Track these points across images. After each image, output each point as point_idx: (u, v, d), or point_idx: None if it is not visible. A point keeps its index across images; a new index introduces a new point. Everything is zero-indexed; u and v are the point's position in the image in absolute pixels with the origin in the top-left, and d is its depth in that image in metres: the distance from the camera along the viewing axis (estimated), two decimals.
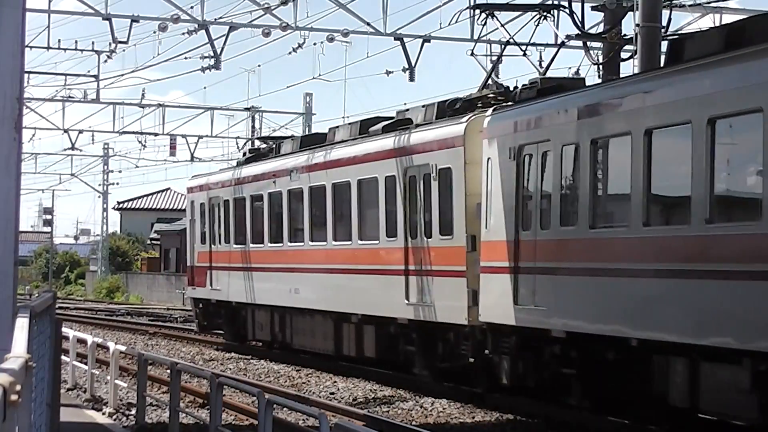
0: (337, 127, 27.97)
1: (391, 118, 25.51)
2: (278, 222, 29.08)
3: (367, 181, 24.58)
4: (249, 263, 30.82)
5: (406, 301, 22.68)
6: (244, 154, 33.79)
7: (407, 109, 25.55)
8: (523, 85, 21.06)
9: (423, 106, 23.88)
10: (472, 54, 26.76)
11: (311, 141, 29.12)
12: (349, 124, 27.79)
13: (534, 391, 19.23)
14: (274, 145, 31.87)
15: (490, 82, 24.36)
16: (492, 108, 21.00)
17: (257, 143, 32.07)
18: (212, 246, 33.57)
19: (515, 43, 24.97)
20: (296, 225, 28.14)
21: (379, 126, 24.99)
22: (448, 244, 21.52)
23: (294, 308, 28.35)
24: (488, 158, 20.10)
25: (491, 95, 22.53)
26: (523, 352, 19.19)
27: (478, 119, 20.94)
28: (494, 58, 34.72)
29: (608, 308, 16.34)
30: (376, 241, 24.19)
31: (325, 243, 26.47)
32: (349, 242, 25.28)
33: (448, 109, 22.60)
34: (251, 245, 30.75)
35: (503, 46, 25.96)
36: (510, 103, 20.85)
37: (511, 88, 22.40)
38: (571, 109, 17.56)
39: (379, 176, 24.06)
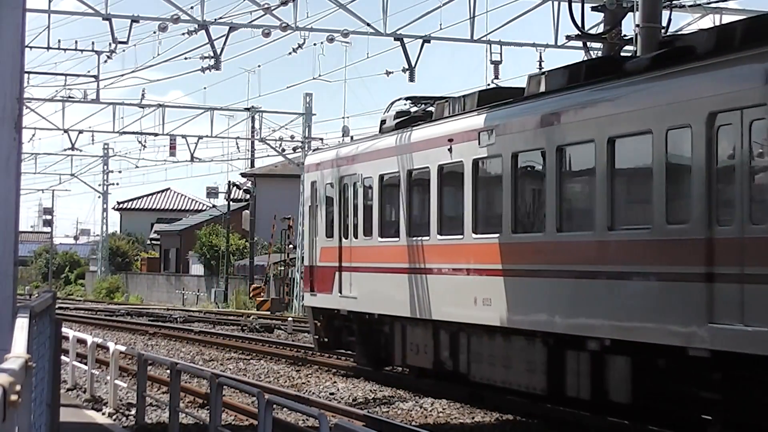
0: (549, 71, 19.99)
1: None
2: (456, 205, 20.89)
3: (637, 140, 16.31)
4: (404, 262, 22.68)
5: (709, 324, 14.68)
6: (381, 124, 25.10)
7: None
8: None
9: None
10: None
11: (499, 96, 20.87)
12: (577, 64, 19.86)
13: None
14: (433, 107, 23.64)
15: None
16: None
17: (402, 105, 25.22)
18: (344, 240, 25.48)
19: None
20: (489, 208, 20.09)
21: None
22: None
23: (475, 326, 20.28)
24: None
25: None
26: None
27: None
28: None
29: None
30: (647, 228, 15.90)
31: (541, 234, 18.22)
32: (590, 232, 17.08)
33: None
34: (408, 238, 22.55)
35: None
36: None
37: None
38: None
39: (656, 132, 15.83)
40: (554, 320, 17.85)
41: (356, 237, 24.86)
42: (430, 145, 21.79)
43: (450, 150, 20.99)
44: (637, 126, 16.07)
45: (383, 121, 24.96)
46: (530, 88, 19.66)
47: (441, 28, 35.24)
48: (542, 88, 19.16)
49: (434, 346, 21.83)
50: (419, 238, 22.16)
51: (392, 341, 23.56)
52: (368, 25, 35.01)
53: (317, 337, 27.17)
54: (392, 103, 25.34)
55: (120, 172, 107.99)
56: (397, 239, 23.06)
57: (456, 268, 20.90)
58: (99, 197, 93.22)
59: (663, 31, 22.73)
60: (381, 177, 23.87)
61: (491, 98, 20.76)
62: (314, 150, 29.11)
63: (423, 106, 24.62)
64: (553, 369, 18.07)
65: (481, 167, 20.18)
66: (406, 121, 23.96)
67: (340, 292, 25.42)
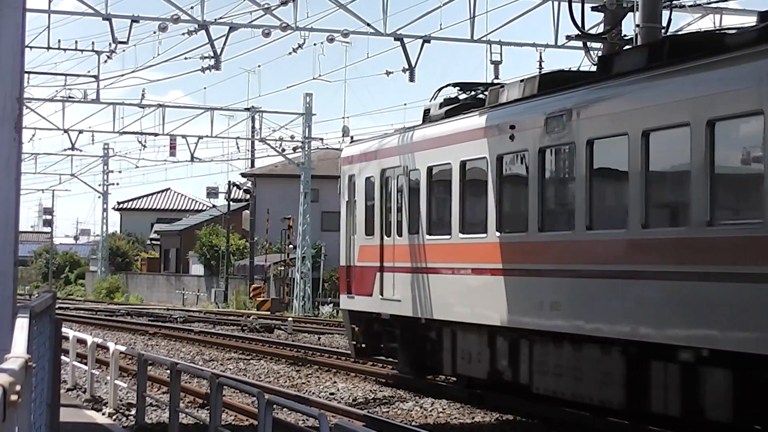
0: (627, 49, 18.61)
1: None
2: (518, 198, 19.08)
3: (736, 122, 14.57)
4: (456, 262, 20.82)
5: None
6: (425, 114, 23.35)
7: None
8: None
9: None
10: None
11: (561, 80, 19.02)
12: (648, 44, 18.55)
13: None
14: (483, 93, 22.12)
15: None
16: None
17: (449, 93, 23.14)
18: (386, 238, 23.43)
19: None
20: (559, 202, 18.25)
21: None
22: None
23: (540, 332, 18.36)
24: None
25: None
26: None
27: None
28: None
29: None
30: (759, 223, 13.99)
31: (623, 231, 16.20)
32: (685, 227, 15.12)
33: None
34: (461, 235, 20.57)
35: None
36: None
37: None
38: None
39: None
40: (639, 328, 15.79)
41: (400, 234, 22.86)
42: (488, 134, 19.73)
43: (511, 138, 18.96)
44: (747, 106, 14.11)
45: (427, 111, 23.15)
46: (608, 67, 17.69)
47: (441, 28, 35.25)
48: (616, 69, 17.20)
49: (490, 355, 19.79)
50: (474, 236, 20.10)
51: (440, 348, 21.51)
52: (368, 25, 35.02)
53: (355, 342, 25.06)
54: (438, 91, 23.51)
55: (120, 172, 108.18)
56: (447, 237, 21.01)
57: (518, 269, 18.78)
58: (99, 197, 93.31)
59: (663, 31, 22.74)
60: (429, 169, 21.76)
61: (553, 82, 19.00)
62: (352, 141, 26.63)
63: (473, 92, 22.92)
64: (635, 382, 16.04)
65: (548, 156, 18.12)
66: (456, 108, 22.00)
67: (382, 294, 23.46)
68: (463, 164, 20.54)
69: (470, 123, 20.58)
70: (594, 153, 16.93)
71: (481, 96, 22.30)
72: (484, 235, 19.70)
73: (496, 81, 35.16)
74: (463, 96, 23.01)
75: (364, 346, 24.79)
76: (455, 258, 20.74)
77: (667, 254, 15.31)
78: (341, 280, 26.01)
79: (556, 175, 18.24)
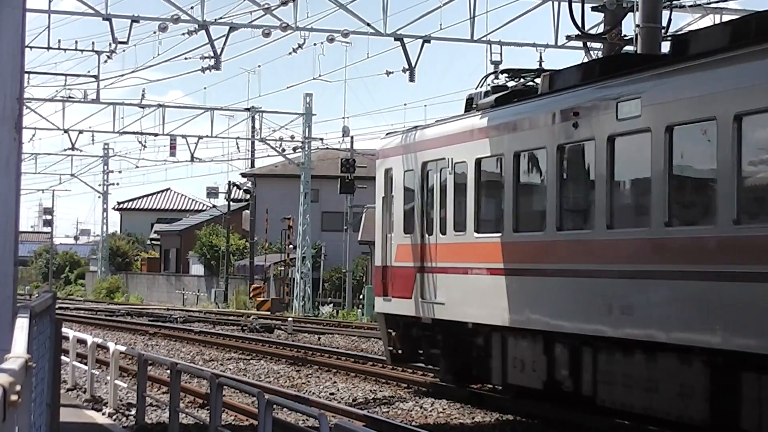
0: (699, 31, 17.45)
1: None
2: (583, 192, 17.44)
3: None
4: (508, 262, 19.09)
5: None
6: (469, 101, 21.60)
7: None
8: None
9: None
10: None
11: (624, 63, 17.71)
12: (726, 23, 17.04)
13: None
14: (535, 81, 20.86)
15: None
16: None
17: (492, 81, 21.88)
18: (427, 236, 21.69)
19: None
20: (632, 195, 16.54)
21: None
22: None
23: (607, 339, 16.51)
24: None
25: None
26: None
27: None
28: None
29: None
30: None
31: (711, 227, 14.44)
32: None
33: None
34: (514, 233, 18.82)
35: None
36: None
37: None
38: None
39: None
40: (729, 335, 14.04)
41: (443, 232, 21.10)
42: (546, 122, 18.07)
43: (575, 125, 17.18)
44: None
45: (470, 99, 21.55)
46: (682, 48, 16.08)
47: (441, 28, 35.25)
48: (693, 50, 15.62)
49: (547, 363, 18.01)
50: (530, 233, 18.39)
51: (488, 355, 19.78)
52: (368, 25, 35.02)
53: (391, 348, 23.18)
54: (484, 78, 22.18)
55: (120, 172, 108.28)
56: (498, 235, 19.22)
57: (582, 270, 16.97)
58: (99, 197, 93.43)
59: (663, 31, 22.73)
60: (477, 162, 20.00)
61: (615, 65, 17.60)
62: (388, 133, 24.66)
63: (523, 80, 21.45)
64: (721, 395, 14.38)
65: (619, 144, 16.29)
66: (506, 96, 20.32)
67: (422, 296, 21.71)
68: (517, 155, 18.80)
69: (525, 111, 18.91)
70: (674, 140, 15.14)
71: (530, 84, 21.03)
72: (542, 232, 18.00)
73: (495, 81, 35.28)
74: (511, 83, 21.69)
75: (401, 352, 22.97)
76: (508, 258, 19.00)
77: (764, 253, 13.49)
78: (376, 282, 24.15)
79: (628, 165, 16.32)
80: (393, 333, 23.06)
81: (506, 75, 21.99)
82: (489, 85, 21.87)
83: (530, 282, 18.38)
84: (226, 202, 77.42)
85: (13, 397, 5.05)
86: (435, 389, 22.33)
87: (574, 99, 17.47)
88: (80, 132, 63.20)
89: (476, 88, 22.11)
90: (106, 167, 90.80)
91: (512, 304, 18.80)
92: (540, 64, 36.04)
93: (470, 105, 21.53)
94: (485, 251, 19.67)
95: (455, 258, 20.72)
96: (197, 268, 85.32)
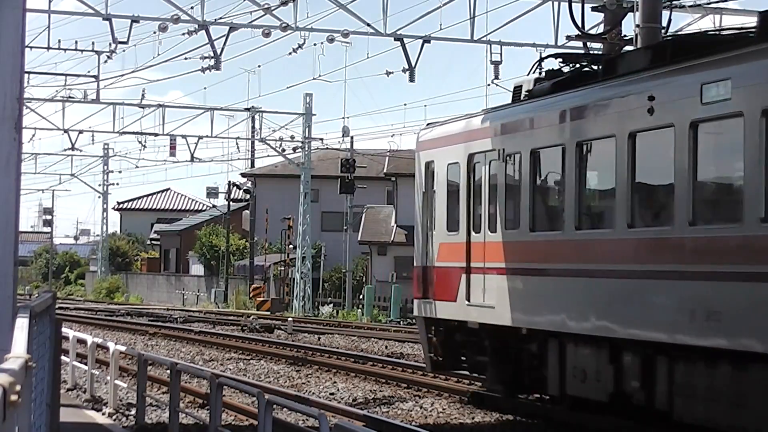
0: None
1: None
2: (660, 184, 15.96)
3: None
4: (570, 262, 17.37)
5: None
6: (516, 91, 20.39)
7: None
8: None
9: None
10: None
11: (696, 44, 16.26)
12: None
13: None
14: (592, 65, 19.39)
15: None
16: None
17: (536, 68, 20.75)
18: (474, 234, 20.13)
19: None
20: (719, 187, 15.27)
21: None
22: None
23: (687, 348, 14.84)
24: None
25: None
26: None
27: None
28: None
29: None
30: None
31: None
32: None
33: None
34: (577, 231, 17.19)
35: None
36: None
37: None
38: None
39: None
40: None
41: (493, 230, 19.53)
42: (615, 108, 16.56)
43: (650, 111, 15.56)
44: None
45: (518, 88, 20.26)
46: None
47: (441, 29, 35.29)
48: None
49: (614, 373, 16.34)
50: (595, 231, 16.86)
51: (544, 364, 18.20)
52: (368, 25, 35.05)
53: (432, 355, 21.58)
54: (538, 63, 20.77)
55: (120, 172, 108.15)
56: (559, 232, 17.66)
57: (659, 271, 15.29)
58: (99, 197, 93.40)
59: (663, 31, 22.72)
60: (534, 152, 18.42)
61: (686, 46, 16.13)
62: (429, 124, 22.97)
63: (577, 65, 19.75)
64: None
65: (702, 131, 14.78)
66: (564, 82, 18.79)
67: (468, 299, 20.11)
68: (580, 145, 17.21)
69: (589, 97, 17.34)
70: None
71: (586, 69, 19.50)
72: (610, 229, 16.38)
73: (495, 81, 35.27)
74: (565, 69, 19.95)
75: (442, 359, 21.41)
76: (569, 257, 17.37)
77: None
78: (415, 283, 22.29)
79: (715, 153, 14.97)
80: (434, 338, 21.50)
81: (560, 60, 20.27)
82: (537, 71, 20.61)
83: (594, 284, 16.74)
84: (226, 202, 77.43)
85: (13, 397, 5.05)
86: (438, 391, 22.31)
87: (649, 83, 15.80)
88: (80, 132, 63.26)
89: (530, 73, 20.98)
90: (106, 167, 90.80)
91: (575, 309, 17.14)
92: (540, 64, 36.06)
93: (518, 94, 20.23)
94: (542, 250, 18.15)
95: (507, 258, 19.14)
96: (197, 268, 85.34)
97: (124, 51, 53.07)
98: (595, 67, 18.95)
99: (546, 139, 18.14)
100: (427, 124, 23.01)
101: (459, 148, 20.66)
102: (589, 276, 16.84)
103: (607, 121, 16.58)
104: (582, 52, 20.77)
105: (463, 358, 21.12)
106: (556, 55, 20.43)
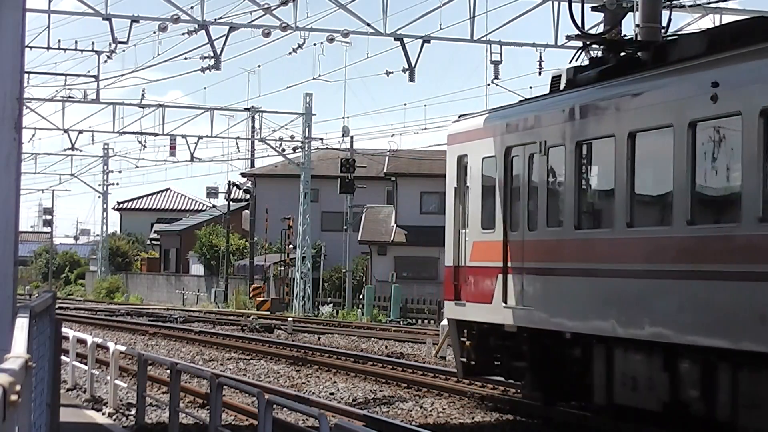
0: None
1: None
2: (725, 177, 14.57)
3: None
4: (619, 262, 16.17)
5: None
6: (555, 80, 19.24)
7: None
8: None
9: None
10: None
11: (747, 30, 15.48)
12: None
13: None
14: (639, 53, 18.16)
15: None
16: None
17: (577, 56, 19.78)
18: (511, 232, 18.98)
19: None
20: None
21: None
22: None
23: (753, 355, 13.70)
24: None
25: None
26: None
27: None
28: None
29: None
30: None
31: None
32: None
33: None
34: (628, 228, 15.95)
35: None
36: None
37: None
38: None
39: None
40: None
41: (532, 228, 18.38)
42: (673, 95, 15.31)
43: (714, 98, 14.37)
44: None
45: (556, 78, 19.14)
46: None
47: (441, 28, 35.30)
48: None
49: (669, 381, 15.13)
50: (650, 228, 15.58)
51: (589, 370, 16.90)
52: (368, 25, 35.05)
53: (464, 359, 20.46)
54: (580, 51, 20.22)
55: (120, 172, 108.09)
56: (607, 230, 16.45)
57: (723, 272, 14.12)
58: (99, 197, 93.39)
59: (663, 31, 22.72)
60: (578, 145, 17.21)
61: (756, 29, 15.21)
62: (461, 116, 21.43)
63: (621, 53, 18.51)
64: None
65: None
66: (611, 69, 17.73)
67: (505, 301, 18.95)
68: (632, 135, 15.95)
69: (641, 84, 16.16)
70: None
71: (634, 57, 18.33)
72: (668, 227, 15.15)
73: (495, 81, 35.27)
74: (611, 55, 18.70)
75: (474, 364, 20.27)
76: (619, 257, 16.19)
77: None
78: (447, 284, 21.17)
79: None
80: (466, 342, 20.40)
81: (602, 47, 19.25)
82: (576, 60, 19.76)
83: (644, 285, 15.57)
84: (226, 202, 77.44)
85: (13, 397, 5.05)
86: (438, 391, 22.31)
87: (711, 69, 14.61)
88: (80, 132, 63.27)
89: (569, 63, 19.96)
90: (106, 167, 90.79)
91: (625, 312, 15.94)
92: (540, 64, 36.09)
93: (556, 84, 19.09)
94: (588, 250, 16.93)
95: (548, 257, 17.95)
96: (197, 268, 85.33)
97: (124, 51, 53.04)
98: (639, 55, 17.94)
99: (593, 130, 16.92)
100: (459, 116, 21.55)
101: (495, 141, 19.48)
102: (640, 277, 15.63)
103: (664, 109, 15.35)
104: (620, 39, 19.57)
105: (497, 363, 19.97)
106: (600, 42, 19.47)
